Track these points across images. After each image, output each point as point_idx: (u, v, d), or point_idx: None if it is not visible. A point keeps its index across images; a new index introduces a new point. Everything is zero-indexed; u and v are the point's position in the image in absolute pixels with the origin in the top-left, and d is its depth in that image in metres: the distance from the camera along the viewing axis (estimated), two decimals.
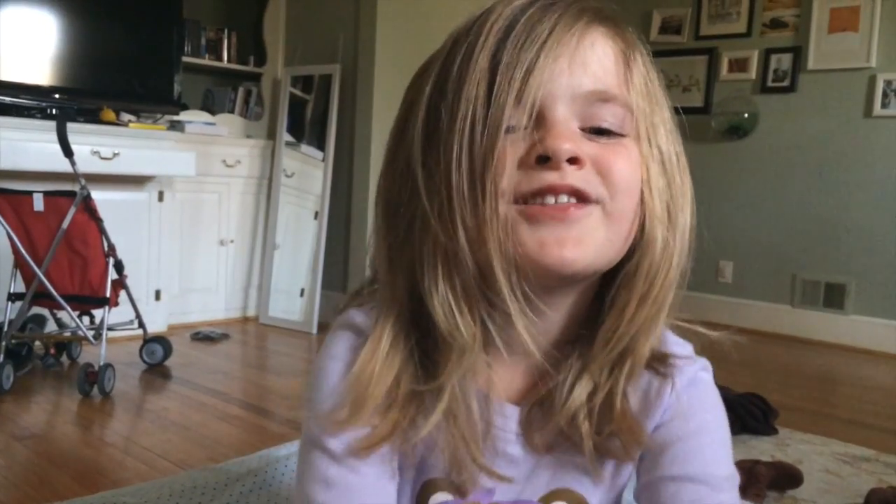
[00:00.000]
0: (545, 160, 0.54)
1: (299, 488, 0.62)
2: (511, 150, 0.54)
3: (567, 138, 0.54)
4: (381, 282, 0.62)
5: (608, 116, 0.56)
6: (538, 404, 0.62)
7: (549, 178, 0.54)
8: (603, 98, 0.55)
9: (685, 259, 0.61)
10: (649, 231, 0.57)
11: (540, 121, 0.54)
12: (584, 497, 0.64)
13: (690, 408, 0.63)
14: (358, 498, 0.59)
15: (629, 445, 0.61)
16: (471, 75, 0.54)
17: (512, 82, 0.53)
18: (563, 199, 0.54)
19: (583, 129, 0.55)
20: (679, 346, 0.65)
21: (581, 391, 0.60)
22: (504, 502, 0.63)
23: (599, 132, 0.56)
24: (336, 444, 0.60)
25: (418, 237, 0.57)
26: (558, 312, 0.61)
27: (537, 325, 0.58)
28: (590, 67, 0.55)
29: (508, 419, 0.62)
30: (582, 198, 0.55)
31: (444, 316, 0.56)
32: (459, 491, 0.61)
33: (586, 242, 0.55)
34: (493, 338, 0.57)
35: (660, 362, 0.63)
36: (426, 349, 0.60)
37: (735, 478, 0.62)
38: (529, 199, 0.54)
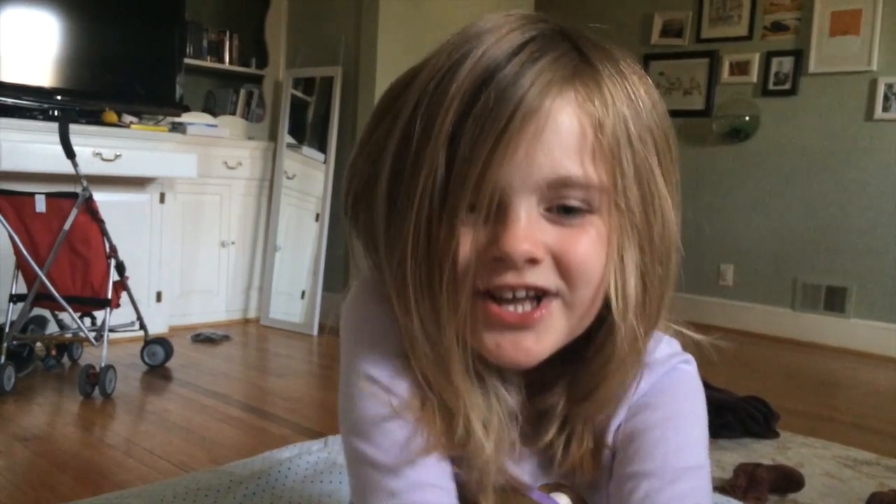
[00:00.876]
0: (503, 259, 0.53)
1: (363, 423, 0.60)
2: (471, 236, 0.53)
3: (524, 238, 0.52)
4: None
5: (573, 197, 0.53)
6: (537, 419, 0.62)
7: (507, 277, 0.53)
8: (565, 184, 0.53)
9: (664, 310, 0.59)
10: (616, 314, 0.56)
11: (500, 210, 0.53)
12: (580, 494, 0.65)
13: (658, 399, 0.62)
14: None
15: (591, 473, 0.62)
16: (428, 164, 0.53)
17: (469, 175, 0.51)
18: (521, 293, 0.54)
19: (548, 209, 0.54)
20: (660, 343, 0.64)
21: (559, 424, 0.61)
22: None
23: (566, 209, 0.54)
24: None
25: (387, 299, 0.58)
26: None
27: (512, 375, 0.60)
28: (551, 153, 0.52)
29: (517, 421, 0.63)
30: (539, 291, 0.54)
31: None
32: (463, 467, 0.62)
33: (544, 340, 0.56)
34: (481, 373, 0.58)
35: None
36: None
37: (704, 468, 0.61)
38: (490, 291, 0.54)
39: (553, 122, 0.52)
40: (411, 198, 0.54)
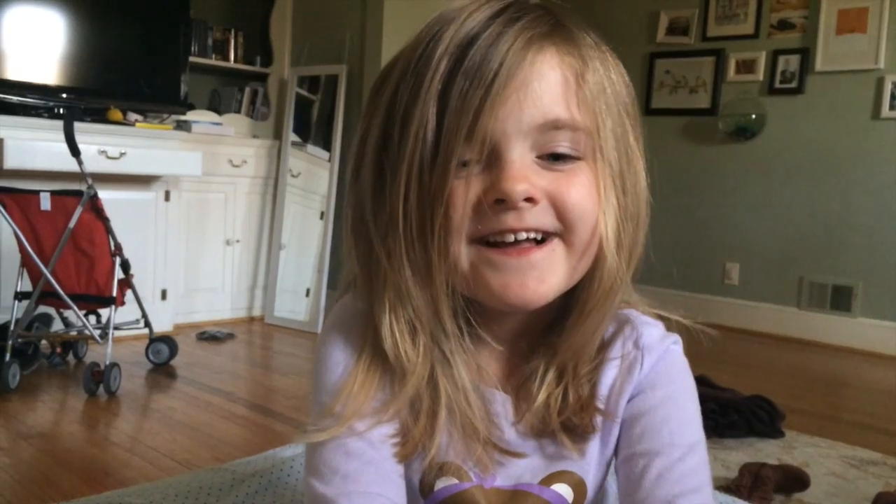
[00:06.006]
0: (502, 202, 0.55)
1: (318, 457, 0.62)
2: (465, 189, 0.55)
3: (521, 178, 0.55)
4: (360, 291, 0.65)
5: (562, 142, 0.56)
6: (522, 389, 0.64)
7: (508, 220, 0.55)
8: (555, 126, 0.56)
9: (635, 261, 0.62)
10: (605, 247, 0.59)
11: (494, 157, 0.55)
12: (581, 477, 0.66)
13: (658, 379, 0.65)
14: (376, 469, 0.61)
15: (588, 423, 0.64)
16: (418, 118, 0.55)
17: (461, 125, 0.54)
18: (522, 235, 0.56)
19: (539, 157, 0.56)
20: (650, 326, 0.67)
21: (551, 378, 0.63)
22: (505, 487, 0.65)
23: (555, 157, 0.57)
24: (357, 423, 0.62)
25: (373, 263, 0.61)
26: (515, 320, 0.64)
27: (495, 331, 0.63)
28: (540, 100, 0.55)
29: (500, 406, 0.64)
30: (540, 232, 0.57)
31: (390, 343, 0.60)
32: (462, 476, 0.63)
33: (548, 279, 0.58)
34: (465, 336, 0.61)
35: (633, 345, 0.66)
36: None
37: (702, 442, 0.65)
38: (489, 238, 0.56)
39: (538, 72, 0.55)
40: (402, 152, 0.56)
